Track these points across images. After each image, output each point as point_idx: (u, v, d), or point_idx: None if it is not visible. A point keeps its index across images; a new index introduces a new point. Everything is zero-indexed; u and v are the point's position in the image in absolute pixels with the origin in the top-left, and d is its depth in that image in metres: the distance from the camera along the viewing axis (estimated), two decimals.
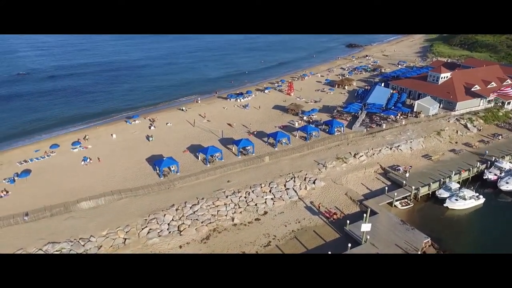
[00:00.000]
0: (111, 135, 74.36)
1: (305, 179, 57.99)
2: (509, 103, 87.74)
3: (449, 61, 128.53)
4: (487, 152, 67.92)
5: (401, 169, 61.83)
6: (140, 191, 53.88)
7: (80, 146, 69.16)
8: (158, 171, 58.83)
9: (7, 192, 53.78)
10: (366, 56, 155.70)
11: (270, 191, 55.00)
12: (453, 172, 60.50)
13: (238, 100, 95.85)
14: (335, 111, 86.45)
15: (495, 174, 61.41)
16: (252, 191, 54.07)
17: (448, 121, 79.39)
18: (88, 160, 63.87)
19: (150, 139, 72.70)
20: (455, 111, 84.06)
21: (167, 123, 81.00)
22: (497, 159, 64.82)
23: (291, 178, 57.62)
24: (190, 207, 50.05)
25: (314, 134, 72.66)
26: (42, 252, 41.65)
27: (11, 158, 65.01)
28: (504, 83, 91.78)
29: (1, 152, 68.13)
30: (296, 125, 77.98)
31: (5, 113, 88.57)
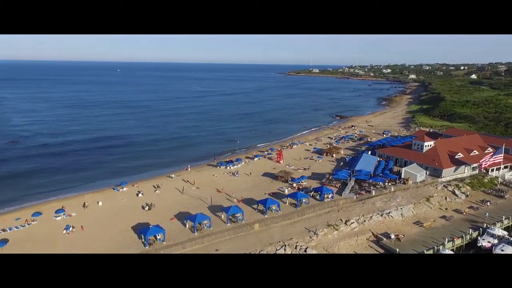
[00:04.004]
0: (97, 202, 72.63)
1: (296, 247, 56.06)
2: (492, 170, 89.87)
3: (431, 131, 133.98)
4: (487, 214, 68.62)
5: (392, 236, 60.60)
6: None
7: (64, 214, 66.94)
8: (143, 240, 56.51)
9: None
10: (352, 126, 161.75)
11: None
12: (446, 239, 59.46)
13: (228, 167, 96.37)
14: (324, 178, 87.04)
15: (489, 242, 60.50)
16: None
17: (436, 188, 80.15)
18: (71, 228, 61.41)
19: (146, 207, 70.68)
20: (441, 177, 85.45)
21: (155, 190, 79.98)
22: (489, 226, 64.37)
23: (282, 246, 55.70)
24: None
25: (304, 201, 72.18)
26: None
27: None
28: (486, 151, 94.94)
29: None
30: (286, 192, 77.68)
31: None
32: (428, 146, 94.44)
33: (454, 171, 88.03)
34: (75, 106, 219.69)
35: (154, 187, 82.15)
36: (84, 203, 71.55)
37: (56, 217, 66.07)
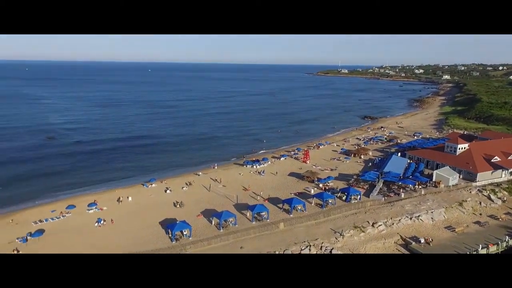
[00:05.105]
0: (127, 197, 74.93)
1: (321, 248, 55.52)
2: None
3: (465, 133, 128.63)
4: None
5: (422, 240, 58.72)
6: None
7: (96, 208, 69.60)
8: (170, 235, 57.79)
9: (18, 251, 53.37)
10: (382, 127, 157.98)
11: None
12: (480, 245, 56.94)
13: (254, 166, 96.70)
14: (352, 179, 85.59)
15: None
16: None
17: (470, 192, 76.92)
18: (102, 221, 63.75)
19: (177, 205, 71.70)
20: (476, 182, 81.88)
21: (182, 187, 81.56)
22: None
23: (307, 247, 55.32)
24: None
25: (330, 201, 71.28)
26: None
27: (27, 217, 65.75)
28: None
29: (19, 211, 69.11)
30: (312, 192, 77.00)
31: (28, 174, 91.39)
32: (462, 148, 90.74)
33: (490, 175, 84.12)
34: (107, 105, 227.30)
35: (187, 184, 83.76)
36: (119, 198, 74.02)
37: (89, 210, 68.77)
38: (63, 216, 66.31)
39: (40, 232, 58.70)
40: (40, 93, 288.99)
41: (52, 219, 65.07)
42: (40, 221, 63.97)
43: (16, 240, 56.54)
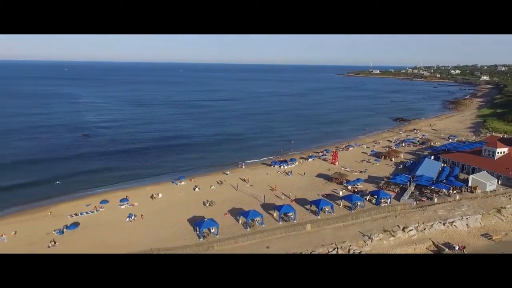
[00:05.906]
0: (157, 194, 76.85)
1: (349, 251, 54.52)
2: None
3: (505, 136, 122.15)
4: None
5: (456, 248, 56.34)
6: (179, 251, 53.48)
7: (127, 203, 71.88)
8: (198, 232, 58.75)
9: (55, 242, 56.07)
10: (414, 129, 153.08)
11: None
12: None
13: (282, 167, 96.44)
14: (382, 182, 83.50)
15: None
16: None
17: (510, 199, 73.02)
18: (133, 217, 65.76)
19: (207, 204, 72.30)
20: None
21: (211, 186, 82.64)
22: None
23: (334, 249, 54.49)
24: None
25: (359, 204, 69.88)
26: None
27: (64, 210, 68.95)
28: None
29: (57, 204, 72.64)
30: (340, 194, 75.84)
31: (66, 169, 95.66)
32: (501, 152, 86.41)
33: None
34: (140, 105, 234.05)
35: (218, 182, 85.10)
36: (152, 195, 76.09)
37: (121, 205, 71.13)
38: (96, 211, 68.99)
39: (75, 225, 61.36)
40: (76, 92, 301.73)
41: (87, 213, 67.86)
42: (76, 214, 66.89)
43: (53, 232, 59.41)
